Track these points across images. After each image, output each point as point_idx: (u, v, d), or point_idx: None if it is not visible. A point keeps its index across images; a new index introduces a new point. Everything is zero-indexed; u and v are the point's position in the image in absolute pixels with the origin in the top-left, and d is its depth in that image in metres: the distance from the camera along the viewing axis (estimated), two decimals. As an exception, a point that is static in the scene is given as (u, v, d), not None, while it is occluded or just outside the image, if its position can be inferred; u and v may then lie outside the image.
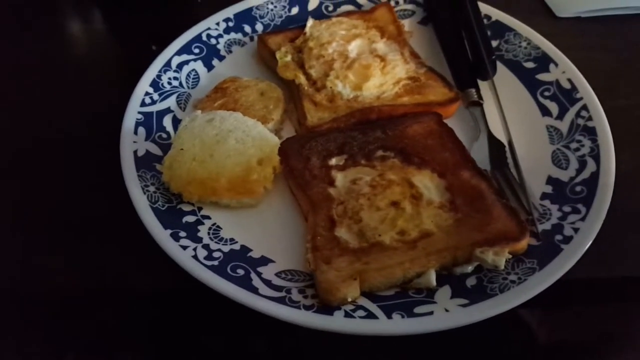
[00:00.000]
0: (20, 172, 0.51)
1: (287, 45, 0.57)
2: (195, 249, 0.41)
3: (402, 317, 0.37)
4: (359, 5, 0.63)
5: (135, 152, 0.46)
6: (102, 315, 0.41)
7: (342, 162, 0.47)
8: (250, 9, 0.61)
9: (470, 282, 0.40)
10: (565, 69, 0.54)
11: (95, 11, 0.70)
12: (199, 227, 0.43)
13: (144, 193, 0.43)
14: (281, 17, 0.62)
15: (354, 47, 0.56)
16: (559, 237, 0.42)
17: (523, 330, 0.41)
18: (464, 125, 0.52)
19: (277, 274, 0.41)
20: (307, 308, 0.38)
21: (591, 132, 0.49)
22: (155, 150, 0.48)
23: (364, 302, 0.38)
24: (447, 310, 0.37)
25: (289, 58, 0.55)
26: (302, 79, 0.53)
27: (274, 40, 0.58)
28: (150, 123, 0.50)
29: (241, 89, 0.53)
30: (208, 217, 0.44)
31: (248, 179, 0.45)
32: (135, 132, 0.48)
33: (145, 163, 0.46)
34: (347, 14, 0.61)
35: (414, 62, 0.55)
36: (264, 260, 0.42)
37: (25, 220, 0.47)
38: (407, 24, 0.61)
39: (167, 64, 0.54)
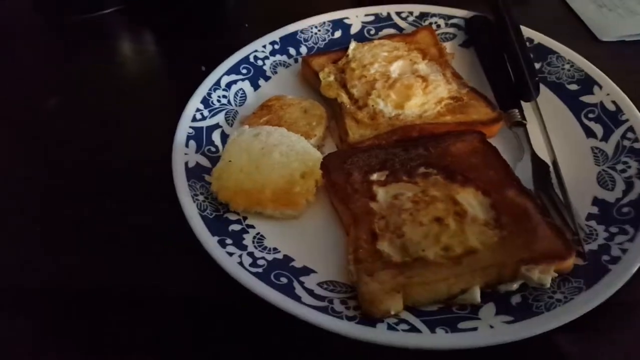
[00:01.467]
0: (79, 184, 0.53)
1: (329, 66, 0.59)
2: (240, 256, 0.42)
3: (446, 332, 0.37)
4: (400, 29, 0.65)
5: (186, 163, 0.49)
6: (144, 317, 0.43)
7: (384, 177, 0.47)
8: (295, 33, 0.63)
9: (515, 299, 0.39)
10: (609, 91, 0.54)
11: (147, 34, 0.75)
12: (244, 236, 0.44)
13: (194, 202, 0.45)
14: (324, 40, 0.64)
15: (395, 68, 0.57)
16: (606, 257, 0.41)
17: (566, 351, 0.40)
18: (507, 145, 0.52)
19: (319, 284, 0.41)
20: (349, 319, 0.38)
21: (638, 154, 0.48)
22: (205, 162, 0.50)
23: (406, 316, 0.38)
24: (491, 327, 0.37)
25: (331, 78, 0.57)
26: (344, 98, 0.55)
27: (317, 62, 0.60)
28: (200, 137, 0.52)
29: (285, 107, 0.55)
30: (252, 227, 0.46)
31: (291, 191, 0.46)
32: (187, 145, 0.51)
33: (195, 174, 0.48)
34: (389, 36, 0.63)
35: (456, 82, 0.56)
36: (306, 270, 0.42)
37: (84, 229, 0.49)
38: (448, 46, 0.62)
39: (217, 83, 0.57)
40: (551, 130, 0.52)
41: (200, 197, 0.46)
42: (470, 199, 0.45)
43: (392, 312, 0.38)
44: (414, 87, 0.54)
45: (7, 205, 0.52)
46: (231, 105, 0.57)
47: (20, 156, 0.58)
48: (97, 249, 0.48)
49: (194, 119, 0.53)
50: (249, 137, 0.50)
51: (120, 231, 0.48)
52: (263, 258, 0.42)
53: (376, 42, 0.61)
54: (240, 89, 0.58)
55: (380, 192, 0.46)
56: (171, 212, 0.46)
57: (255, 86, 0.59)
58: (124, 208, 0.50)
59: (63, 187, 0.53)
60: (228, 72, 0.59)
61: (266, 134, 0.50)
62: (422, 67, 0.57)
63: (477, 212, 0.44)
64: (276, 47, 0.62)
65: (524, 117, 0.53)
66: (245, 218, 0.46)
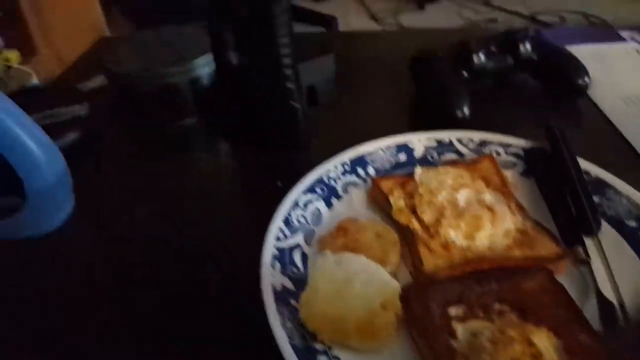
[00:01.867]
0: (165, 310, 0.52)
1: (399, 190, 0.64)
2: (331, 393, 0.44)
3: None
4: (461, 154, 0.70)
5: (273, 286, 0.52)
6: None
7: (462, 312, 0.50)
8: (363, 155, 0.69)
9: None
10: (668, 230, 0.57)
11: (221, 145, 0.82)
12: (332, 369, 0.47)
13: (284, 329, 0.48)
14: (390, 162, 0.69)
15: (462, 197, 0.61)
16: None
17: None
18: (572, 283, 0.54)
19: None
20: None
21: None
22: (289, 285, 0.53)
23: None
24: None
25: (402, 203, 0.62)
26: (416, 224, 0.59)
27: (386, 185, 0.64)
28: (283, 258, 0.56)
29: (361, 230, 0.59)
30: (338, 359, 0.48)
31: (373, 323, 0.49)
32: (272, 267, 0.54)
33: (282, 298, 0.51)
34: (452, 163, 0.67)
35: (520, 214, 0.60)
36: (394, 410, 0.44)
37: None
38: (509, 175, 0.67)
39: (296, 203, 0.62)
40: (614, 267, 0.55)
41: (289, 324, 0.49)
42: (544, 340, 0.47)
43: None
44: (483, 218, 0.58)
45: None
46: (309, 224, 0.61)
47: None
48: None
49: (278, 239, 0.57)
50: (332, 264, 0.53)
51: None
52: (352, 396, 0.44)
53: (441, 168, 0.65)
54: (317, 208, 0.63)
55: (460, 329, 0.48)
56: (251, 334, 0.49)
57: (329, 205, 0.64)
58: (211, 330, 0.51)
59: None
60: (305, 192, 0.63)
61: (347, 262, 0.53)
62: (488, 197, 0.61)
63: (551, 355, 0.46)
64: (347, 167, 0.68)
65: (587, 254, 0.56)
66: (330, 348, 0.49)
